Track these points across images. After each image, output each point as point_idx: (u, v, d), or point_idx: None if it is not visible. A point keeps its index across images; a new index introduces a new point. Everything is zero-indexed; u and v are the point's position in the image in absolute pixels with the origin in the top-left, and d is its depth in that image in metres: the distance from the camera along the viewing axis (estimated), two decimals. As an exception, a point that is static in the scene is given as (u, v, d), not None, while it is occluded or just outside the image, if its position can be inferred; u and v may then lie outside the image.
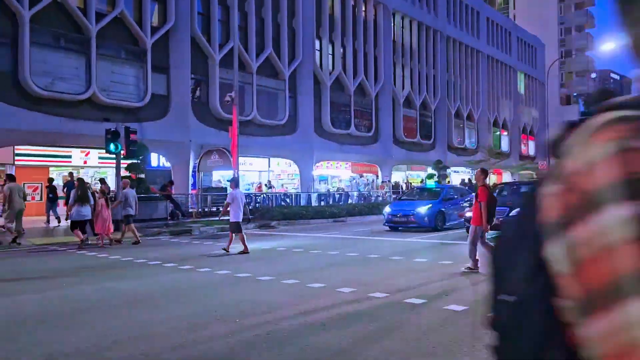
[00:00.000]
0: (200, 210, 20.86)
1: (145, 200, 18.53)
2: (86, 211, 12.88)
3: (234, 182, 12.80)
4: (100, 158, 23.96)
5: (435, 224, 17.22)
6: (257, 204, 22.70)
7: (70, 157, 23.23)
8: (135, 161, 18.56)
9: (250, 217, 19.34)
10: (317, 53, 31.43)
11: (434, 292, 7.07)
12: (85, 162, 23.86)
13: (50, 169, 23.20)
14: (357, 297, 6.78)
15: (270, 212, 20.88)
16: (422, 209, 17.36)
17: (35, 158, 22.11)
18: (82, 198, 12.82)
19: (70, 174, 19.70)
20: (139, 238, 13.85)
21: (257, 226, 18.99)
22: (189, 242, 14.58)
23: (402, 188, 33.64)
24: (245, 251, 11.50)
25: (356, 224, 21.19)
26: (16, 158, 21.46)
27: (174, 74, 24.14)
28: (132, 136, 16.46)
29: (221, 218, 13.62)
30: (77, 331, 5.33)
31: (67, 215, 13.79)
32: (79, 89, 20.75)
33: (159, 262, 10.18)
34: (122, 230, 14.08)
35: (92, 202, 13.23)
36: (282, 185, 31.32)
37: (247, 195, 22.03)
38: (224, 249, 11.61)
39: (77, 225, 12.81)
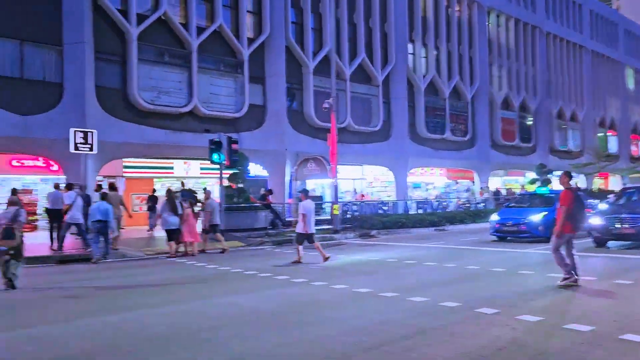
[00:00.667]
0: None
1: (246, 210, 18.64)
2: (174, 220, 13.12)
3: (305, 192, 12.54)
4: (201, 169, 24.67)
5: (550, 233, 15.71)
6: (354, 212, 22.17)
7: (172, 168, 24.04)
8: (236, 171, 18.74)
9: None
10: (410, 57, 30.55)
11: (600, 317, 6.06)
12: (186, 173, 24.59)
13: (155, 180, 24.20)
14: (505, 320, 5.95)
15: (368, 220, 20.26)
16: (536, 217, 15.93)
17: (141, 170, 23.08)
18: (171, 208, 13.10)
19: (169, 189, 20.23)
20: (228, 247, 13.90)
21: (357, 235, 18.46)
22: (293, 252, 14.28)
23: (502, 194, 31.72)
24: (325, 258, 11.55)
25: (459, 232, 20.03)
26: (124, 170, 22.51)
27: (269, 83, 24.34)
28: (234, 146, 16.57)
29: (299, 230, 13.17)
30: (212, 354, 4.99)
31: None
32: (181, 102, 21.41)
33: (269, 274, 9.88)
34: (205, 240, 14.31)
35: (180, 212, 13.42)
36: (373, 193, 30.58)
37: (344, 204, 21.60)
38: (296, 261, 11.58)
39: (171, 234, 13.15)
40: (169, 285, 9.08)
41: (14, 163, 19.77)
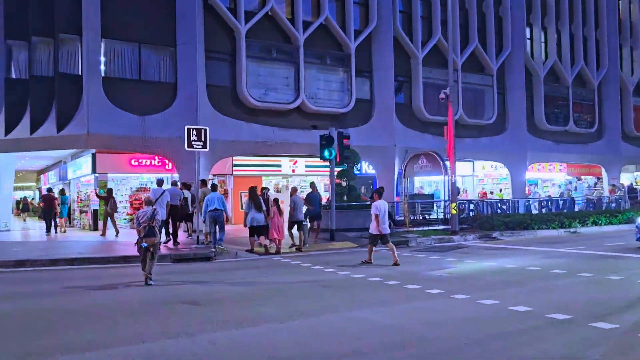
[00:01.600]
0: (411, 218, 19.45)
1: (356, 208, 17.80)
2: (260, 218, 13.19)
3: (378, 192, 12.16)
4: (307, 166, 24.30)
5: None
6: (471, 212, 20.53)
7: (280, 166, 23.86)
8: (345, 168, 17.96)
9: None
10: (528, 42, 28.01)
11: None
12: (293, 171, 24.33)
13: (263, 178, 24.18)
14: None
15: (488, 221, 18.57)
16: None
17: (250, 168, 23.11)
18: (256, 205, 13.20)
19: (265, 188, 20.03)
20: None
21: (477, 237, 16.91)
22: (411, 255, 13.19)
23: (639, 191, 28.19)
24: (396, 263, 11.08)
25: (595, 235, 17.72)
26: (234, 169, 22.65)
27: (377, 76, 23.34)
28: (345, 141, 15.77)
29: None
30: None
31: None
32: (289, 98, 21.06)
33: (396, 282, 8.89)
34: (300, 237, 14.20)
35: (265, 208, 13.48)
36: (482, 189, 28.44)
37: (460, 203, 20.03)
38: (366, 261, 11.48)
39: (254, 231, 13.35)
40: (290, 292, 8.40)
41: (133, 162, 20.52)
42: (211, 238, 13.61)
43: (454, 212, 16.92)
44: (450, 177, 17.57)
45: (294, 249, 14.04)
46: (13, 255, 12.40)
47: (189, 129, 13.74)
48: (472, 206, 20.75)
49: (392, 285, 8.66)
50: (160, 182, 14.62)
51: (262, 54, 20.67)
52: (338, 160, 15.68)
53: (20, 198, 38.62)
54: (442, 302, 7.35)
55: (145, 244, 8.78)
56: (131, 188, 21.17)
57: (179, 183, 15.86)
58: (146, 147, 18.31)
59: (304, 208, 14.91)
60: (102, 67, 17.79)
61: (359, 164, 19.14)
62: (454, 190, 17.29)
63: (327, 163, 16.27)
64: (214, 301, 7.55)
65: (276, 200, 13.96)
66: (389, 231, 11.64)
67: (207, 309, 7.05)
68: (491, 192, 26.91)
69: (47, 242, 15.99)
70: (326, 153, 15.37)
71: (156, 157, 20.69)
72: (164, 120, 18.25)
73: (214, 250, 12.73)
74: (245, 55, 19.81)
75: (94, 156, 19.66)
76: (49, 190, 21.34)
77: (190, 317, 6.52)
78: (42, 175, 34.41)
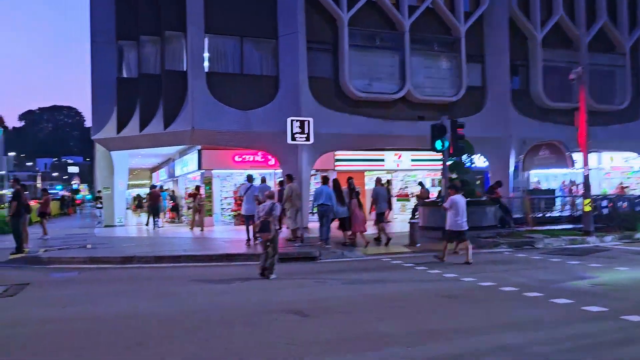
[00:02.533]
0: (533, 216, 17.37)
1: (471, 205, 16.09)
2: (342, 210, 13.12)
3: (454, 187, 11.64)
4: (412, 160, 22.91)
5: None
6: (603, 209, 17.97)
7: (383, 160, 22.69)
8: (456, 160, 16.37)
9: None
10: (668, 14, 24.35)
11: None
12: (397, 165, 23.05)
13: (366, 173, 23.17)
14: None
15: (629, 220, 16.07)
16: None
17: (352, 163, 22.18)
18: (338, 198, 13.06)
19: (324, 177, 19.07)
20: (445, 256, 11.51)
21: (617, 238, 14.61)
22: (542, 258, 11.45)
23: None
24: (467, 261, 10.57)
25: None
26: (336, 163, 21.85)
27: (490, 61, 21.36)
28: (459, 131, 14.25)
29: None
30: None
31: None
32: (394, 88, 19.81)
33: (538, 294, 7.41)
34: (378, 231, 13.81)
35: (348, 201, 13.27)
36: (621, 183, 25.15)
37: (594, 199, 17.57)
38: (438, 257, 11.13)
39: (339, 223, 13.29)
40: (409, 303, 7.26)
41: (237, 158, 20.42)
42: (299, 234, 13.47)
43: (587, 209, 14.74)
44: (583, 170, 15.38)
45: (406, 248, 12.84)
46: (121, 251, 12.46)
47: (291, 121, 13.05)
48: (606, 203, 18.15)
49: (534, 299, 7.19)
50: (250, 178, 14.48)
51: (365, 42, 19.59)
52: (451, 151, 14.21)
53: (136, 195, 41.03)
54: (614, 325, 5.81)
55: (261, 239, 8.82)
56: (235, 184, 21.11)
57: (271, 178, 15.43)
58: (249, 142, 18.02)
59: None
60: (206, 63, 17.74)
61: (473, 157, 17.40)
62: (588, 185, 15.10)
63: (435, 156, 14.88)
64: (321, 311, 6.60)
65: (357, 194, 13.60)
66: (466, 228, 11.09)
67: (314, 322, 6.13)
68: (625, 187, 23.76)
69: (154, 239, 16.16)
70: (438, 144, 13.97)
71: (259, 153, 20.43)
72: (267, 114, 17.83)
73: (327, 246, 12.25)
74: (347, 45, 18.86)
75: (199, 152, 19.79)
76: (152, 187, 22.26)
77: (293, 333, 5.62)
78: (154, 173, 36.11)
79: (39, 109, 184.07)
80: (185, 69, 17.49)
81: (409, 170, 24.00)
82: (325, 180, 13.38)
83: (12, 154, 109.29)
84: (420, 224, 15.12)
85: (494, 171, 21.33)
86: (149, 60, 18.22)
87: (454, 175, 17.12)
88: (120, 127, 18.04)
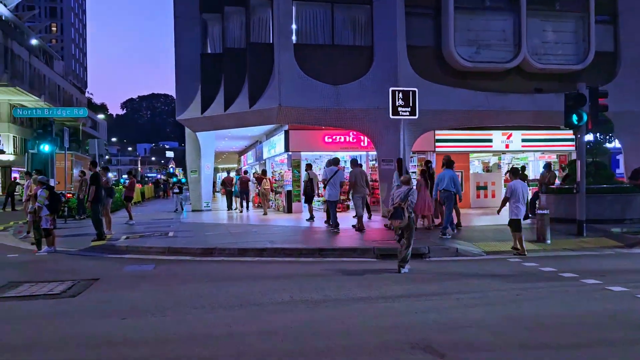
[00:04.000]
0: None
1: (609, 192, 13.31)
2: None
3: (513, 172, 10.38)
4: (523, 141, 20.09)
5: None
6: None
7: (490, 140, 20.05)
8: (593, 138, 13.62)
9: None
10: None
11: None
12: (507, 146, 20.30)
13: (470, 155, 20.66)
14: None
15: None
16: None
17: (455, 144, 19.78)
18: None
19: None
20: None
21: None
22: None
23: None
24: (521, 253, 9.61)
25: None
26: (436, 144, 19.60)
27: (624, 21, 17.99)
28: (601, 101, 11.57)
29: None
30: None
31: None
32: (506, 56, 17.12)
33: None
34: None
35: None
36: None
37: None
38: (518, 252, 9.71)
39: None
40: (589, 336, 5.14)
41: (326, 139, 18.81)
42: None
43: None
44: None
45: (535, 245, 10.49)
46: (202, 241, 11.23)
47: (393, 92, 11.08)
48: None
49: None
50: (336, 161, 13.23)
51: (473, 3, 17.02)
52: (590, 127, 11.56)
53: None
54: None
55: (393, 227, 8.09)
56: (324, 167, 19.50)
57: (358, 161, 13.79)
58: (340, 120, 16.25)
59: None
60: (294, 34, 16.15)
61: (611, 135, 14.50)
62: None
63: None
64: (457, 346, 4.65)
65: (423, 173, 12.81)
66: (521, 217, 9.87)
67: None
68: None
69: (239, 226, 14.95)
70: (574, 118, 11.36)
71: (351, 133, 18.67)
72: (360, 89, 15.96)
73: (444, 236, 10.82)
74: (452, 7, 16.44)
75: (287, 133, 18.39)
76: (235, 172, 21.34)
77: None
78: (242, 156, 35.59)
79: (139, 97, 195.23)
80: (271, 41, 16.00)
81: (520, 152, 21.16)
82: (448, 163, 11.93)
83: (114, 139, 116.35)
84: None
85: (628, 152, 18.04)
86: (234, 33, 16.96)
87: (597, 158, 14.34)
88: (205, 106, 16.99)
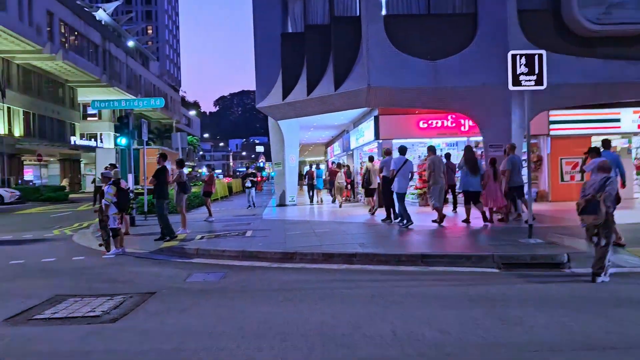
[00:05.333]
0: None
1: None
2: (474, 181, 11.59)
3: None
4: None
5: None
6: None
7: (618, 120, 16.90)
8: None
9: None
10: None
11: None
12: (639, 127, 17.03)
13: (593, 138, 17.58)
14: None
15: None
16: None
17: (573, 125, 16.93)
18: (471, 168, 11.56)
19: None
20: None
21: None
22: None
23: None
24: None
25: None
26: (551, 127, 16.85)
27: None
28: None
29: None
30: None
31: None
32: (644, 16, 14.02)
33: None
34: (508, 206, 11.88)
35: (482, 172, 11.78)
36: None
37: None
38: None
39: (468, 197, 11.73)
40: None
41: (421, 125, 16.72)
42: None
43: None
44: None
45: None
46: (282, 243, 9.68)
47: (514, 57, 8.75)
48: None
49: None
50: (403, 150, 11.98)
51: (601, -47, 14.09)
52: None
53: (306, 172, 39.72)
54: None
55: (584, 224, 6.47)
56: (419, 156, 17.41)
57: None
58: (438, 101, 14.09)
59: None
60: (383, 5, 14.15)
61: None
62: None
63: None
64: None
65: (493, 162, 11.73)
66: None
67: None
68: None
69: (324, 224, 13.31)
70: None
71: (449, 117, 16.44)
72: (461, 64, 13.68)
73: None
74: (574, -42, 13.64)
75: (376, 119, 16.55)
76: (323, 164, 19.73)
77: None
78: (328, 148, 34.15)
79: (230, 94, 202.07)
80: (358, 14, 14.15)
81: (649, 134, 17.75)
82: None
83: (206, 135, 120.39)
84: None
85: None
86: (316, 9, 15.33)
87: None
88: (286, 91, 15.52)
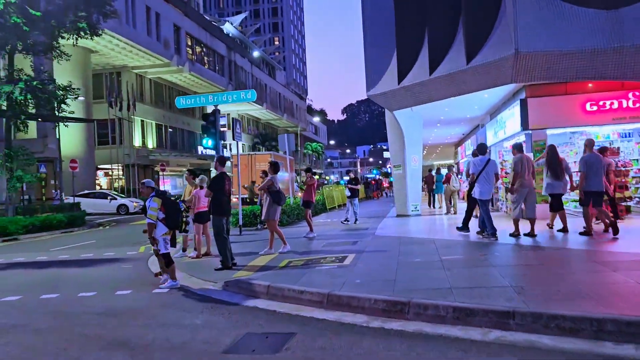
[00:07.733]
0: None
1: None
2: (557, 185, 9.86)
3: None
4: None
5: None
6: None
7: None
8: None
9: None
10: None
11: None
12: None
13: None
14: None
15: None
16: None
17: None
18: (552, 170, 9.81)
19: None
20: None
21: None
22: None
23: None
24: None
25: None
26: None
27: None
28: None
29: None
30: None
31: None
32: None
33: None
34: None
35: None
36: None
37: None
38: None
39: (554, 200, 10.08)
40: None
41: (588, 107, 12.45)
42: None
43: None
44: None
45: None
46: (391, 280, 6.42)
47: None
48: None
49: None
50: (482, 149, 9.93)
51: None
52: None
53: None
54: None
55: None
56: (575, 153, 13.05)
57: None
58: (622, 67, 9.88)
59: None
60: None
61: None
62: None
63: None
64: None
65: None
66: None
67: None
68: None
69: (456, 245, 9.82)
70: None
71: (630, 95, 12.00)
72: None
73: None
74: None
75: (523, 104, 12.66)
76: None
77: None
78: (458, 148, 30.01)
79: (357, 102, 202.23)
80: (496, -42, 10.49)
81: None
82: None
83: (332, 142, 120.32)
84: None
85: None
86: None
87: None
88: (402, 74, 12.30)
